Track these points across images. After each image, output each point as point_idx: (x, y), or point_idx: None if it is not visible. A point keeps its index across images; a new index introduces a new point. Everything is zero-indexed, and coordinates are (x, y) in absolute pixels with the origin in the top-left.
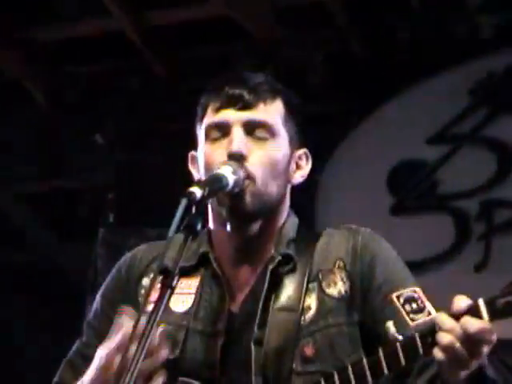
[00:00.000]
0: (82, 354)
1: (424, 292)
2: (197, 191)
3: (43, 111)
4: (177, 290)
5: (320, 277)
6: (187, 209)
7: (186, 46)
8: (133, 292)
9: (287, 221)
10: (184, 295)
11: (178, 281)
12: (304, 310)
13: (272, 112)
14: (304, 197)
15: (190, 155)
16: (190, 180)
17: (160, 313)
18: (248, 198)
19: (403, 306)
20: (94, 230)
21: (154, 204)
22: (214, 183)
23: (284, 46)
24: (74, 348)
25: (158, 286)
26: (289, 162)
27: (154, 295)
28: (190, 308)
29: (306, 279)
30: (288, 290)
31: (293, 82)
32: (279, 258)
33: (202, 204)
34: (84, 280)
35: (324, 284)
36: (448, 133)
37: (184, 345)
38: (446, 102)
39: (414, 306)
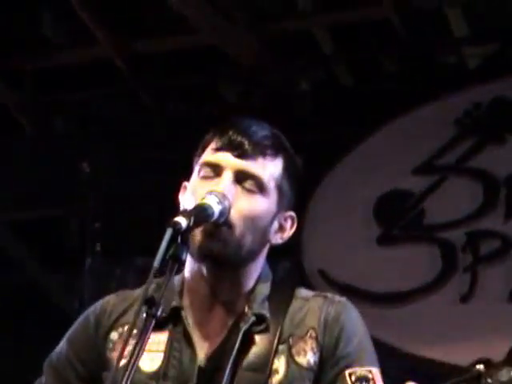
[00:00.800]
0: None
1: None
2: (182, 221)
3: (30, 139)
4: (145, 347)
5: (290, 342)
6: (172, 239)
7: (173, 74)
8: (100, 345)
9: (262, 277)
10: (153, 353)
11: (162, 311)
12: (272, 373)
13: (268, 168)
14: None
15: (183, 184)
16: (178, 209)
17: (145, 343)
18: (220, 244)
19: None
20: (81, 258)
21: (142, 233)
22: (200, 213)
23: (270, 73)
24: None
25: (143, 316)
26: (271, 221)
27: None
28: (160, 367)
29: (276, 341)
30: (258, 350)
31: (279, 110)
32: (253, 318)
33: (187, 234)
34: (70, 309)
35: (294, 350)
36: (434, 163)
37: None
38: (432, 132)
39: None
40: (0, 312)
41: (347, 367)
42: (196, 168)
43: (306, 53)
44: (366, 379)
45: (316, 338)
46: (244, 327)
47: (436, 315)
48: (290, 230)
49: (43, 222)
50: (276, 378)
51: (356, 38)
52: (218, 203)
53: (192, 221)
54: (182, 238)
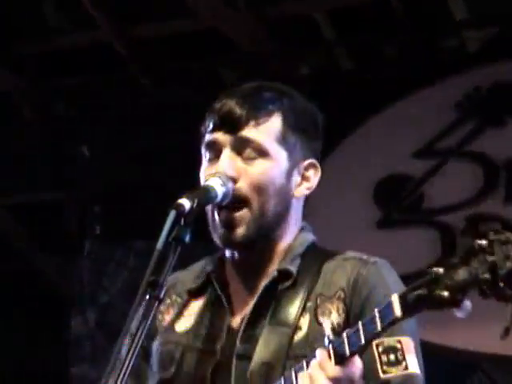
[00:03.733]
0: None
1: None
2: (185, 203)
3: (30, 123)
4: (185, 312)
5: (318, 301)
6: (176, 221)
7: (173, 58)
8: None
9: (297, 237)
10: (188, 316)
11: (165, 293)
12: (296, 329)
13: (263, 131)
14: None
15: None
16: (177, 192)
17: (148, 324)
18: (242, 230)
19: (380, 355)
20: (80, 242)
21: (141, 216)
22: (203, 195)
23: (270, 58)
24: None
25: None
26: (288, 177)
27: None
28: (191, 327)
29: (304, 297)
30: (285, 305)
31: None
32: (275, 273)
33: (190, 216)
34: (69, 293)
35: (319, 310)
36: (435, 147)
37: (180, 362)
38: (432, 116)
39: (392, 357)
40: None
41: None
42: (202, 148)
43: (306, 37)
44: (394, 349)
45: (344, 300)
46: (265, 283)
47: None
48: (314, 178)
49: (42, 205)
50: (299, 335)
51: (356, 22)
52: (221, 185)
53: (195, 203)
54: (185, 220)
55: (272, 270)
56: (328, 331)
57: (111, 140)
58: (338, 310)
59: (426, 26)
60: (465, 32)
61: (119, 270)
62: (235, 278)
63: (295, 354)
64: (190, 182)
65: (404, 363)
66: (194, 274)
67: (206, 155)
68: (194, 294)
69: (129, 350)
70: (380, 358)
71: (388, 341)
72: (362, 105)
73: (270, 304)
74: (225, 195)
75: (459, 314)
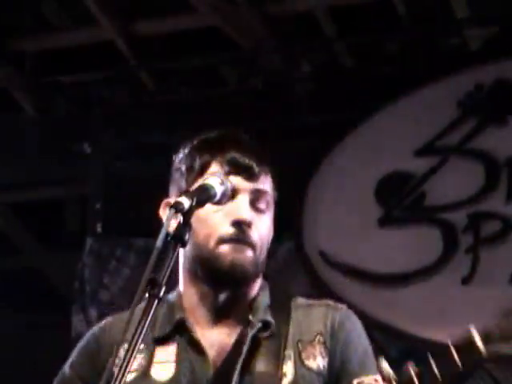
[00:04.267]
0: None
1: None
2: (184, 201)
3: (31, 120)
4: (155, 360)
5: (300, 347)
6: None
7: (174, 56)
8: (104, 365)
9: (262, 287)
10: (164, 364)
11: (164, 292)
12: (281, 377)
13: (268, 183)
14: (292, 208)
15: (164, 201)
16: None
17: (147, 324)
18: (248, 259)
19: None
20: (82, 239)
21: (142, 214)
22: (202, 193)
23: (271, 55)
24: None
25: (146, 296)
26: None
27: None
28: (172, 377)
29: (282, 346)
30: (266, 354)
31: (280, 92)
32: (259, 324)
33: (189, 214)
34: (70, 290)
35: (304, 355)
36: (436, 145)
37: None
38: (434, 114)
39: None
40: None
41: (355, 376)
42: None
43: (307, 34)
44: None
45: (324, 343)
46: (251, 332)
47: (437, 297)
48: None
49: (43, 203)
50: (285, 381)
51: (357, 19)
52: (220, 184)
53: (194, 201)
54: (184, 218)
55: (244, 319)
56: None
57: (112, 137)
58: (321, 354)
59: (428, 24)
60: (466, 30)
61: (120, 268)
62: (204, 322)
63: None
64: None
65: None
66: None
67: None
68: (160, 342)
69: (127, 350)
70: None
71: (367, 379)
72: (362, 102)
73: (251, 354)
74: (223, 194)
75: None
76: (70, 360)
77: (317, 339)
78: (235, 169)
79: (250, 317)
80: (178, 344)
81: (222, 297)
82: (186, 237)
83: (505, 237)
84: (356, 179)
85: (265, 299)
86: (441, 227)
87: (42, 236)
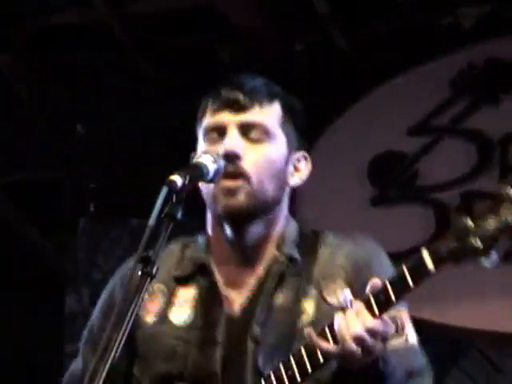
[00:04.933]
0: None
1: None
2: (177, 179)
3: (25, 101)
4: (175, 302)
5: (321, 284)
6: (168, 197)
7: (170, 36)
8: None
9: (288, 224)
10: (182, 307)
11: (157, 269)
12: (301, 313)
13: (268, 114)
14: None
15: (191, 155)
16: (171, 170)
17: (140, 301)
18: (242, 197)
19: None
20: (76, 219)
21: (136, 194)
22: (195, 172)
23: (266, 34)
24: (69, 373)
25: (138, 274)
26: (286, 164)
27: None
28: (188, 319)
29: (305, 283)
30: (287, 291)
31: (274, 71)
32: (286, 261)
33: (182, 192)
34: (64, 270)
35: (325, 293)
36: (429, 124)
37: (185, 358)
38: (427, 93)
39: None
40: None
41: None
42: (200, 134)
43: (301, 14)
44: (395, 321)
45: (345, 279)
46: (278, 268)
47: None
48: (305, 170)
49: (37, 183)
50: (305, 318)
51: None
52: (213, 162)
53: (187, 179)
54: (177, 196)
55: (269, 256)
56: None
57: (107, 118)
58: (341, 288)
59: (420, 2)
60: (459, 9)
61: (114, 248)
62: (227, 263)
63: (303, 336)
64: (186, 161)
65: (404, 335)
66: (175, 260)
67: (205, 137)
68: (182, 282)
69: (121, 327)
70: None
71: (389, 312)
72: (356, 82)
73: (273, 289)
74: (216, 172)
75: (488, 264)
76: (98, 304)
77: (339, 275)
78: (223, 104)
79: (276, 252)
80: (199, 286)
81: (242, 236)
82: (179, 215)
83: None
84: (348, 159)
85: (291, 236)
86: (433, 207)
87: (37, 216)
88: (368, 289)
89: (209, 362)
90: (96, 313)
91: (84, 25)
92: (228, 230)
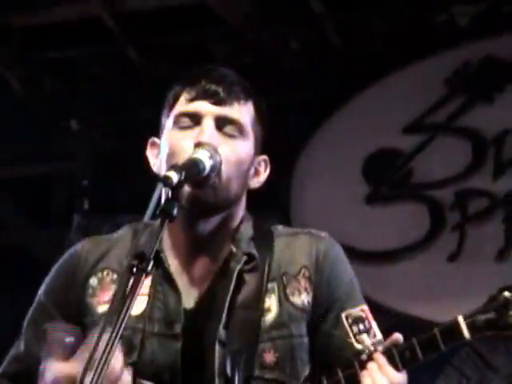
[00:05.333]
0: (21, 361)
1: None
2: (173, 176)
3: (18, 96)
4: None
5: (284, 281)
6: (163, 193)
7: (162, 32)
8: (78, 291)
9: (244, 219)
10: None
11: (152, 266)
12: (264, 311)
13: (244, 112)
14: (279, 183)
15: (150, 141)
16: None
17: (135, 298)
18: (208, 191)
19: (351, 326)
20: (69, 216)
21: (130, 190)
22: (191, 168)
23: (260, 32)
24: (10, 355)
25: (133, 270)
26: (251, 165)
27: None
28: (144, 310)
29: (265, 279)
30: (249, 288)
31: (268, 69)
32: (245, 257)
33: (178, 189)
34: None
35: (288, 290)
36: (423, 122)
37: (141, 348)
38: (421, 91)
39: (361, 326)
40: None
41: (342, 310)
42: (169, 120)
43: (295, 11)
44: (361, 319)
45: (309, 278)
46: (238, 266)
47: (424, 274)
48: (264, 173)
49: (30, 179)
50: (269, 317)
51: None
52: (209, 158)
53: (183, 176)
54: (172, 192)
55: (224, 252)
56: (300, 307)
57: (99, 114)
58: (306, 289)
59: (416, 1)
60: (454, 7)
61: None
62: (182, 255)
63: (270, 336)
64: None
65: (372, 331)
66: (126, 246)
67: (177, 123)
68: None
69: (115, 324)
70: (351, 328)
71: (355, 311)
72: (350, 80)
73: (231, 286)
74: (212, 168)
75: None
76: (44, 286)
77: (302, 273)
78: (201, 94)
79: (233, 249)
80: (153, 276)
81: (199, 228)
82: (174, 211)
83: (492, 214)
84: (343, 156)
85: (247, 231)
86: (428, 204)
87: (30, 213)
88: (389, 343)
89: (168, 354)
90: (45, 293)
91: (79, 21)
92: (185, 220)
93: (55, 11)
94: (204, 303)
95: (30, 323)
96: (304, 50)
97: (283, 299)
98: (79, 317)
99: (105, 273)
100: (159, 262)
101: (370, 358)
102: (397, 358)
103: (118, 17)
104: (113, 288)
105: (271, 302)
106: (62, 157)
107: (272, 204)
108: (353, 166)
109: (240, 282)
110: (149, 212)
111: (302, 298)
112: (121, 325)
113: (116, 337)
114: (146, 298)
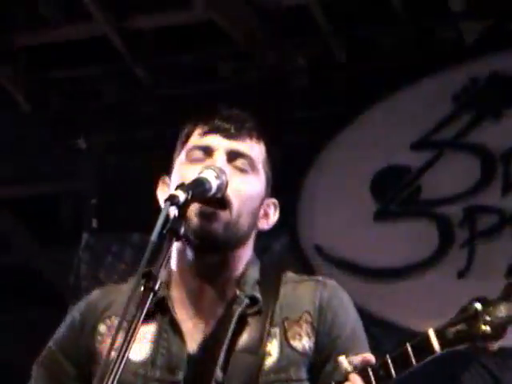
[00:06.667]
0: None
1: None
2: (180, 195)
3: (26, 115)
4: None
5: (286, 325)
6: (170, 212)
7: (169, 50)
8: (87, 340)
9: (251, 262)
10: (141, 343)
11: (159, 285)
12: (265, 355)
13: (255, 149)
14: (287, 202)
15: (161, 179)
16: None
17: (142, 317)
18: (219, 225)
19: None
20: (77, 235)
21: (137, 209)
22: (197, 187)
23: (266, 49)
24: None
25: (141, 289)
26: (261, 205)
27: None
28: (148, 356)
29: (268, 323)
30: (251, 332)
31: (275, 86)
32: (247, 300)
33: (185, 207)
34: (65, 286)
35: (289, 334)
36: (432, 139)
37: None
38: (429, 108)
39: (382, 372)
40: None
41: (344, 356)
42: (181, 155)
43: (302, 28)
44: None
45: (311, 323)
46: (239, 309)
47: (433, 291)
48: (273, 217)
49: (39, 198)
50: (269, 361)
51: (353, 14)
52: (215, 177)
53: (190, 195)
54: (179, 211)
55: (229, 295)
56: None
57: (106, 132)
58: (307, 334)
59: (423, 17)
60: (462, 23)
61: (116, 263)
62: (185, 300)
63: (268, 380)
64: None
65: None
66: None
67: (189, 156)
68: (143, 320)
69: (123, 343)
70: (375, 374)
71: (355, 359)
72: (358, 96)
73: (235, 330)
74: (219, 188)
75: (495, 346)
76: (55, 335)
77: (304, 318)
78: (214, 129)
79: (238, 292)
80: (159, 323)
81: (207, 266)
82: (182, 230)
83: (501, 230)
84: (352, 173)
85: (253, 274)
86: (437, 221)
87: (38, 231)
88: (359, 361)
89: None
90: (55, 341)
91: (86, 40)
92: (191, 256)
93: (62, 30)
94: (207, 347)
95: (39, 365)
96: (312, 67)
97: (284, 343)
98: (89, 364)
99: (113, 319)
100: (166, 309)
101: (346, 378)
102: (371, 376)
103: (125, 35)
104: (120, 334)
105: (272, 347)
106: (69, 175)
107: (280, 223)
108: (361, 183)
109: (243, 325)
110: (155, 231)
111: (303, 343)
112: (128, 345)
113: (123, 356)
114: (150, 344)
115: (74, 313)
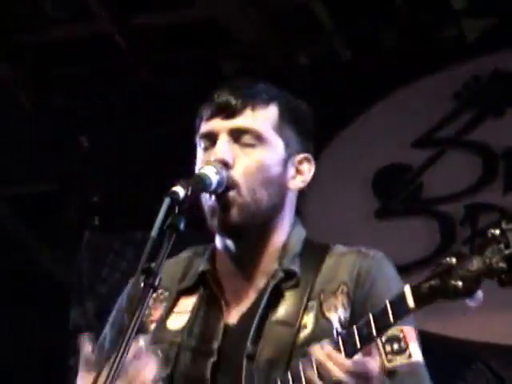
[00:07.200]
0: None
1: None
2: (180, 190)
3: (29, 113)
4: (175, 310)
5: (322, 297)
6: (170, 209)
7: (172, 48)
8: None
9: (292, 233)
10: (181, 314)
11: (159, 280)
12: (301, 328)
13: (260, 119)
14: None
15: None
16: (174, 182)
17: (142, 312)
18: (234, 212)
19: (384, 345)
20: (80, 232)
21: (141, 207)
22: (197, 183)
23: (270, 48)
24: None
25: (141, 285)
26: (284, 168)
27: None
28: (185, 325)
29: (306, 296)
30: (287, 305)
31: (278, 85)
32: (281, 274)
33: (184, 203)
34: (68, 283)
35: (325, 306)
36: (433, 136)
37: (176, 361)
38: (431, 106)
39: (396, 346)
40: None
41: None
42: (197, 143)
43: (305, 27)
44: (397, 339)
45: (347, 294)
46: (272, 282)
47: None
48: (308, 172)
49: (41, 196)
50: (304, 333)
51: (355, 13)
52: (215, 173)
53: (189, 190)
54: (179, 207)
55: (270, 268)
56: (336, 324)
57: (110, 130)
58: (343, 305)
59: (425, 15)
60: (463, 21)
61: (118, 261)
62: (229, 273)
63: (302, 352)
64: (190, 172)
65: (408, 352)
66: (181, 268)
67: (201, 145)
68: (185, 293)
69: (124, 337)
70: (384, 347)
71: (391, 330)
72: (360, 94)
73: (271, 303)
74: (219, 183)
75: (471, 303)
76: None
77: (340, 289)
78: (214, 111)
79: (276, 265)
80: (200, 296)
81: (240, 247)
82: (182, 226)
83: None
84: (354, 171)
85: (295, 246)
86: (438, 219)
87: (41, 229)
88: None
89: (199, 368)
90: (104, 333)
91: (90, 39)
92: (226, 243)
93: (65, 29)
94: (243, 319)
95: (110, 323)
96: (314, 65)
97: (319, 315)
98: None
99: (159, 292)
100: (207, 282)
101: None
102: (357, 336)
103: (129, 34)
104: (162, 306)
105: (308, 320)
106: (72, 174)
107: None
108: (363, 181)
109: (278, 298)
110: (155, 227)
111: (339, 314)
112: (128, 340)
113: (123, 352)
114: (189, 314)
115: (128, 287)
